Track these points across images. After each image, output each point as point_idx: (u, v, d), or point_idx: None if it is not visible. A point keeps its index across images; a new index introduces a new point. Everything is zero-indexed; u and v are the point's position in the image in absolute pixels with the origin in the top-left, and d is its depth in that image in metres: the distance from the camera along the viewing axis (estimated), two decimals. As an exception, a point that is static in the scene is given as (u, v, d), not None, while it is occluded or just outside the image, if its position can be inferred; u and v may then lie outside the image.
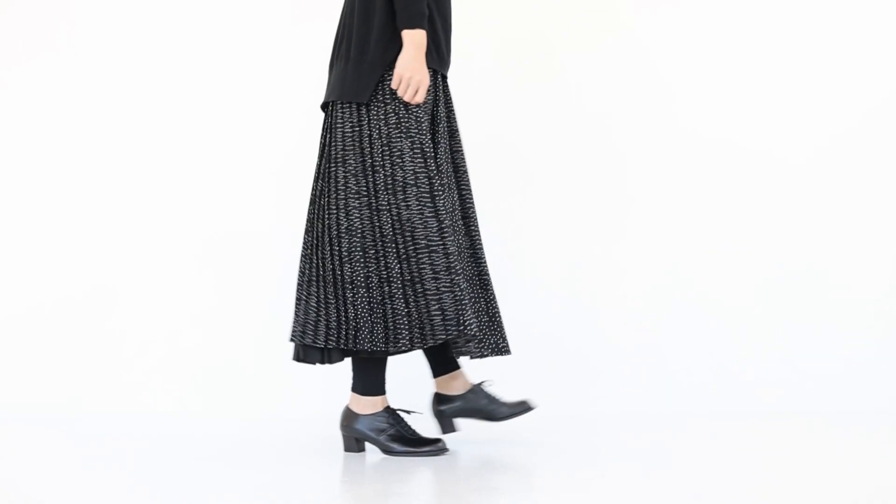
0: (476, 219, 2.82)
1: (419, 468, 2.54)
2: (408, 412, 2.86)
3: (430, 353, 2.83)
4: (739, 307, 3.76)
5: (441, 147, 2.74)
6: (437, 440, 2.75)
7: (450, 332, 2.60)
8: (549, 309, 3.73)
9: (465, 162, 2.83)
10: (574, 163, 3.81)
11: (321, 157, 2.79)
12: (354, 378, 2.78)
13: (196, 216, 3.77)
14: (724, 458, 2.67)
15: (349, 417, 2.77)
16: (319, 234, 2.73)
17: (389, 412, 2.76)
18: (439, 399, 2.86)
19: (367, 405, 2.75)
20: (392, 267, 2.65)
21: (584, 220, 3.79)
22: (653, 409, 3.61)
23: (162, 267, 3.75)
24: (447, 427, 2.84)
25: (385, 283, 2.66)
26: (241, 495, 2.21)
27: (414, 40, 2.62)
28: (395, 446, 2.73)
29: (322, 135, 2.80)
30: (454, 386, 2.85)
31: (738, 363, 3.72)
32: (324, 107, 2.80)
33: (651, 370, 3.72)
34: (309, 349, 2.73)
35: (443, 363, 2.85)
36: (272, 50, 3.81)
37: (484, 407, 2.84)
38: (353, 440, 2.78)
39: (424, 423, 2.95)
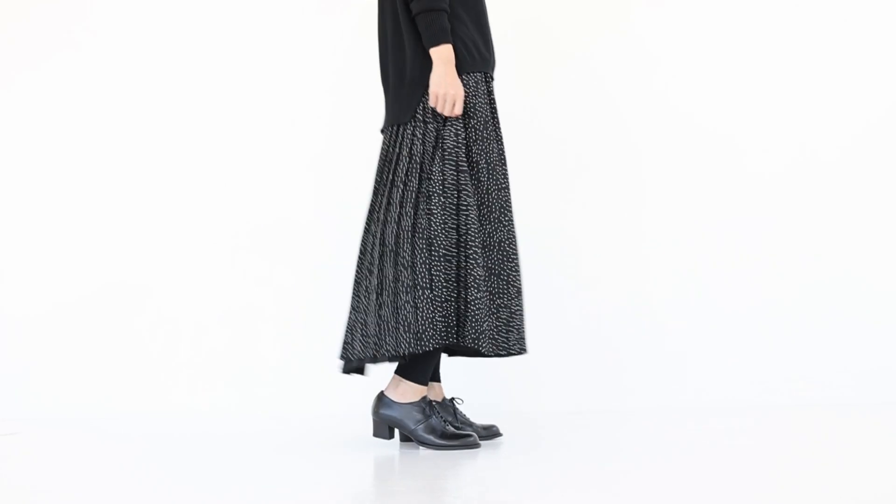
0: (510, 216, 2.80)
1: (452, 463, 2.53)
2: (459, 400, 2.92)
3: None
4: (767, 303, 3.74)
5: (493, 147, 2.76)
6: (470, 435, 2.75)
7: (450, 338, 2.64)
8: (575, 305, 3.73)
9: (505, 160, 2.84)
10: (606, 160, 3.79)
11: None
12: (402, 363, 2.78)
13: (224, 215, 3.77)
14: (751, 452, 2.65)
15: (383, 403, 2.77)
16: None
17: (426, 403, 2.76)
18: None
19: (408, 392, 2.75)
20: (387, 275, 2.68)
21: (609, 217, 3.78)
22: (679, 404, 3.61)
23: (189, 266, 3.75)
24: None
25: (373, 293, 2.70)
26: (274, 493, 2.21)
27: (441, 56, 2.68)
28: (430, 438, 2.72)
29: None
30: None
31: (764, 358, 3.71)
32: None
33: (678, 365, 3.71)
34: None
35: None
36: (300, 46, 3.80)
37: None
38: (385, 426, 2.78)
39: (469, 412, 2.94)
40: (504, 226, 2.75)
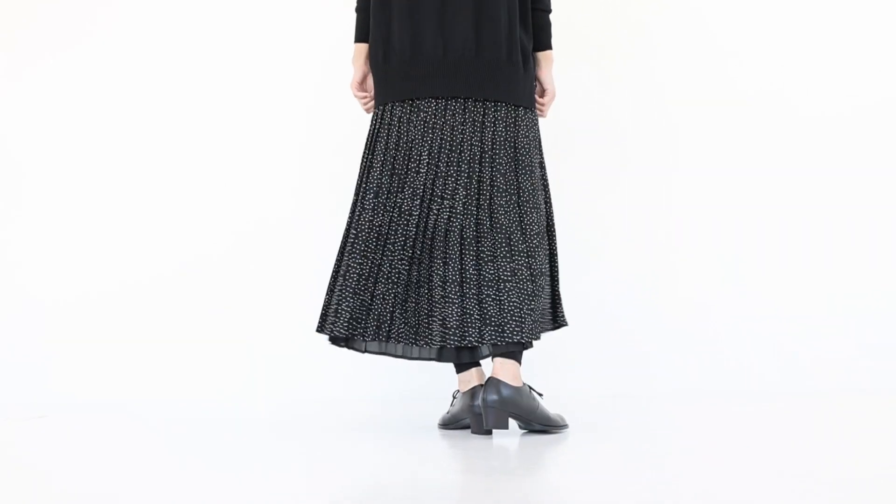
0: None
1: (469, 447, 2.51)
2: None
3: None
4: (789, 286, 3.68)
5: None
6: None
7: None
8: (600, 289, 3.71)
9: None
10: (628, 144, 3.76)
11: None
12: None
13: (231, 207, 3.80)
14: (777, 437, 2.61)
15: (502, 388, 2.58)
16: None
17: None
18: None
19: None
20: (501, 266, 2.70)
21: (632, 199, 3.74)
22: (704, 389, 3.57)
23: (207, 254, 3.79)
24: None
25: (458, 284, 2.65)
26: (280, 480, 2.21)
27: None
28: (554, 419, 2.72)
29: None
30: None
31: (793, 343, 3.65)
32: None
33: (702, 350, 3.66)
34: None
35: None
36: (296, 44, 3.80)
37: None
38: (506, 415, 2.60)
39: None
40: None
